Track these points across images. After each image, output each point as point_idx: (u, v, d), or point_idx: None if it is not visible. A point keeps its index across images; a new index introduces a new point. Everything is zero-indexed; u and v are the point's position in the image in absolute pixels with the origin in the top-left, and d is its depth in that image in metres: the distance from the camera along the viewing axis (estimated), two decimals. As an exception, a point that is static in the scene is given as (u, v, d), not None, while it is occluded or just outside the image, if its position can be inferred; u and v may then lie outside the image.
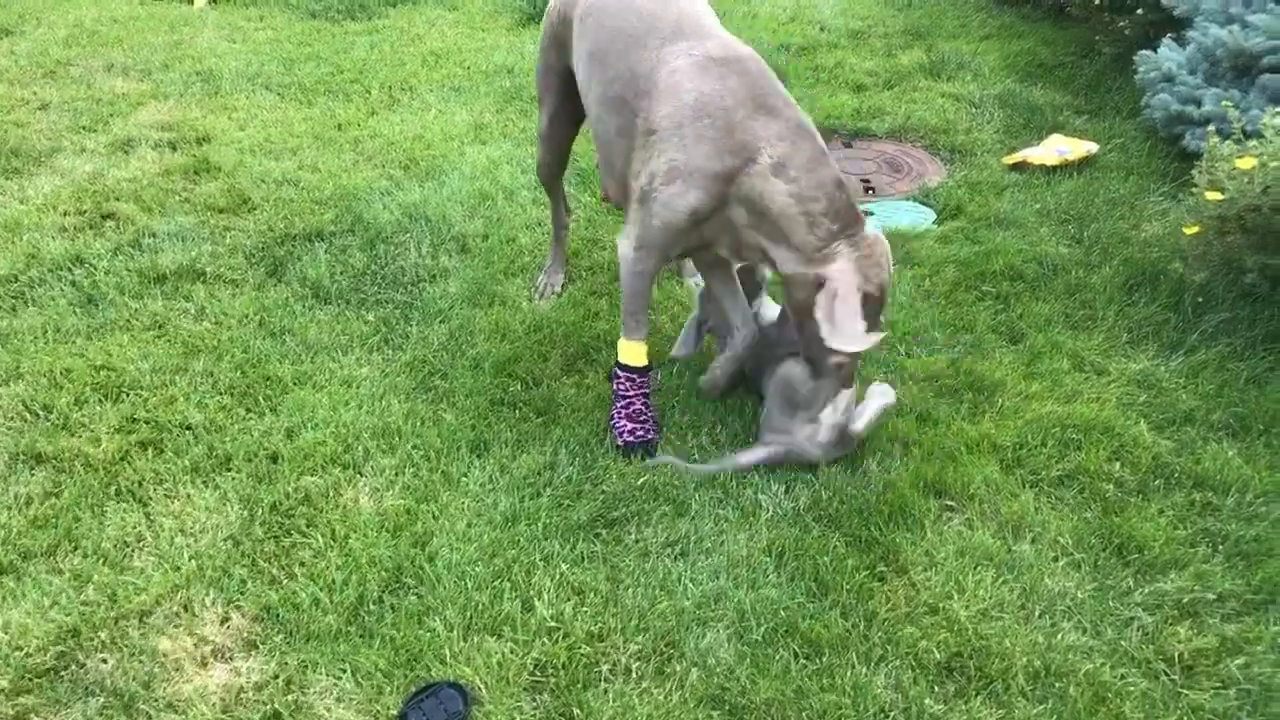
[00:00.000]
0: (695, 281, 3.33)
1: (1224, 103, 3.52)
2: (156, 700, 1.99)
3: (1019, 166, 4.22)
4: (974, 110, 4.85)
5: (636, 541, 2.37)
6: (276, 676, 2.04)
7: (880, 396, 2.62)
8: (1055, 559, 2.32)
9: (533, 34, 5.96)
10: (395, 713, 1.96)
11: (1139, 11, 4.78)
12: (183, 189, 4.10)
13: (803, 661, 2.07)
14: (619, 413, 2.68)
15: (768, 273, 2.86)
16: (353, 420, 2.74)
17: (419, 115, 4.88)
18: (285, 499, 2.48)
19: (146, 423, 2.73)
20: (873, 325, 2.40)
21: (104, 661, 2.07)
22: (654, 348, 2.81)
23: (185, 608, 2.19)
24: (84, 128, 4.69)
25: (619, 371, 2.70)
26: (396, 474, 2.57)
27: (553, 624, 2.14)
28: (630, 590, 2.23)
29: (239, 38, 6.11)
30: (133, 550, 2.34)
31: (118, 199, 3.98)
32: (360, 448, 2.65)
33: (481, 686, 2.01)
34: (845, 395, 2.53)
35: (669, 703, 1.98)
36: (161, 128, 4.69)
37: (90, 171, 4.22)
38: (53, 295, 3.32)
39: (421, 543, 2.35)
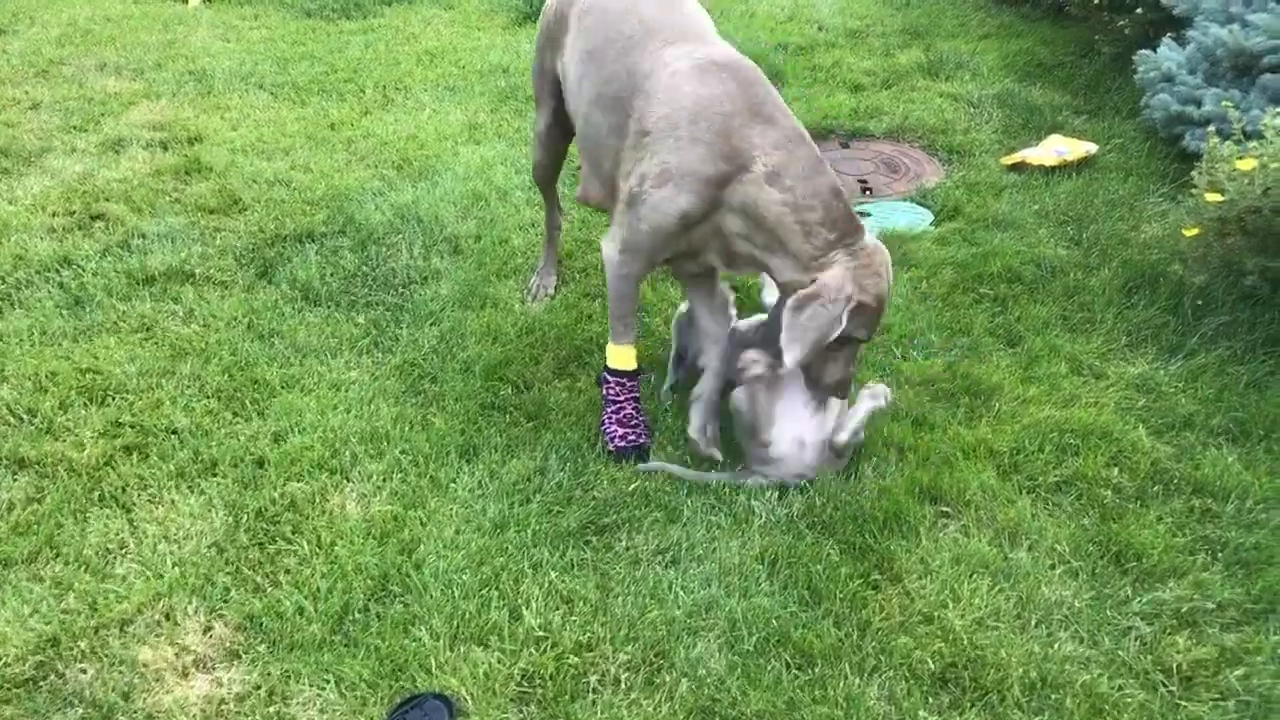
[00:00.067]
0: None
1: (1224, 103, 3.49)
2: (136, 712, 1.95)
3: (1017, 167, 4.18)
4: (972, 110, 4.81)
5: (627, 549, 2.34)
6: (259, 687, 2.00)
7: (870, 399, 2.57)
8: (1052, 567, 2.28)
9: (529, 33, 5.92)
10: (379, 725, 1.93)
11: (1138, 11, 4.74)
12: (173, 189, 4.07)
13: (795, 672, 2.03)
14: (609, 418, 2.64)
15: (730, 295, 2.83)
16: (341, 424, 2.71)
17: (413, 115, 4.84)
18: (271, 505, 2.45)
19: (132, 427, 2.70)
20: (869, 334, 2.37)
21: (83, 672, 2.03)
22: (645, 351, 2.78)
23: (167, 616, 2.15)
24: (75, 127, 4.65)
25: (608, 376, 2.67)
26: (384, 479, 2.53)
27: (541, 633, 2.11)
28: (620, 599, 2.19)
29: (233, 37, 6.08)
30: (115, 557, 2.30)
31: (107, 199, 3.94)
32: (348, 453, 2.61)
33: (467, 698, 1.97)
34: (834, 409, 2.49)
35: (658, 715, 1.95)
36: (153, 127, 4.65)
37: (80, 172, 4.18)
38: (39, 297, 3.28)
39: (408, 550, 2.32)
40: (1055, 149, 4.19)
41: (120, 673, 2.03)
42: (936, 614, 2.15)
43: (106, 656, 2.06)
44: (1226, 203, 2.92)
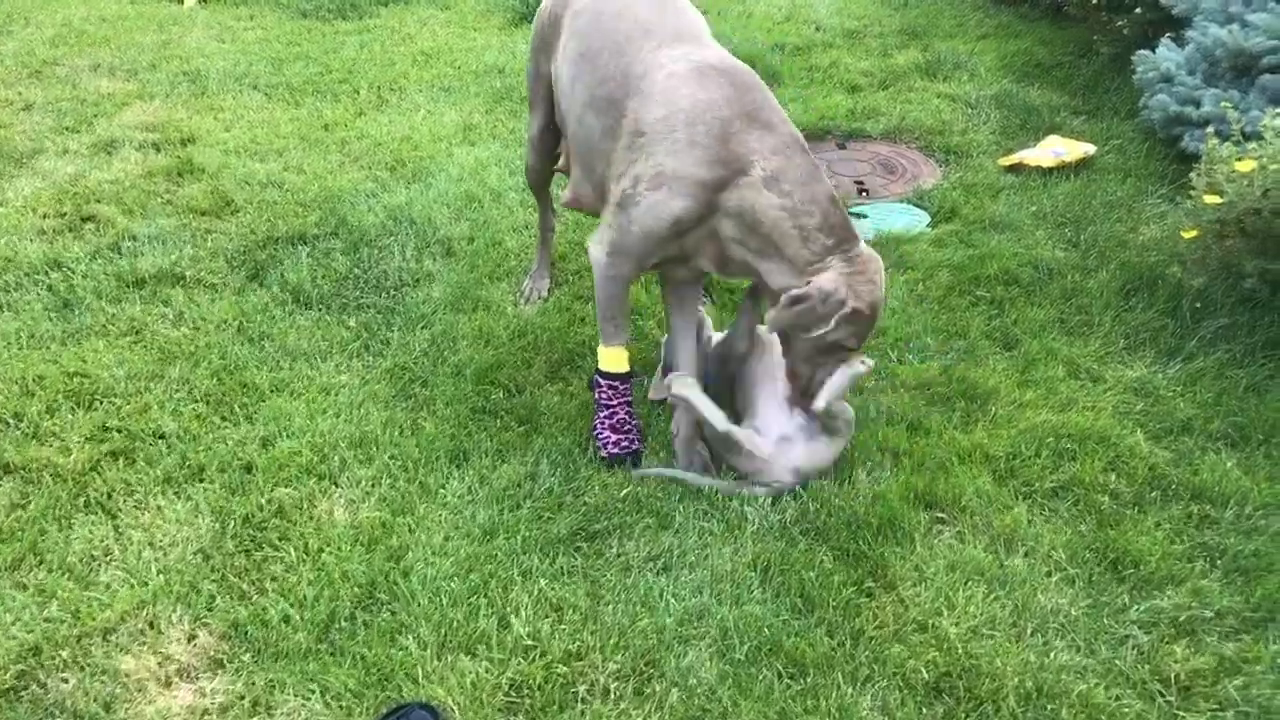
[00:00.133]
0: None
1: (1223, 104, 3.46)
2: (117, 722, 1.92)
3: (1015, 168, 4.15)
4: (970, 111, 4.78)
5: (618, 555, 2.31)
6: (243, 697, 1.97)
7: (846, 368, 2.40)
8: (1048, 574, 2.25)
9: (525, 33, 5.89)
10: (364, 735, 1.90)
11: (1137, 10, 4.72)
12: (165, 191, 4.04)
13: (786, 682, 2.00)
14: (602, 423, 2.61)
15: (705, 314, 2.80)
16: (330, 429, 2.68)
17: (407, 116, 4.82)
18: (258, 511, 2.42)
19: (119, 431, 2.67)
20: (857, 343, 2.34)
21: (65, 681, 2.00)
22: (639, 354, 2.75)
23: (151, 625, 2.12)
24: (67, 128, 4.63)
25: (600, 380, 2.63)
26: (373, 485, 2.50)
27: (529, 642, 2.08)
28: (610, 607, 2.16)
29: (228, 37, 6.05)
30: (99, 564, 2.28)
31: (99, 201, 3.91)
32: (336, 458, 2.58)
33: (454, 708, 1.94)
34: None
35: (647, 725, 1.92)
36: (146, 128, 4.62)
37: (72, 173, 4.15)
38: (28, 300, 3.25)
39: (396, 557, 2.29)
40: (1053, 150, 4.16)
41: (102, 683, 2.00)
42: (931, 622, 2.12)
43: (89, 666, 2.03)
44: (1225, 205, 2.89)
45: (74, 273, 3.40)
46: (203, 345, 3.03)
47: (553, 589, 2.21)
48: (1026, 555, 2.30)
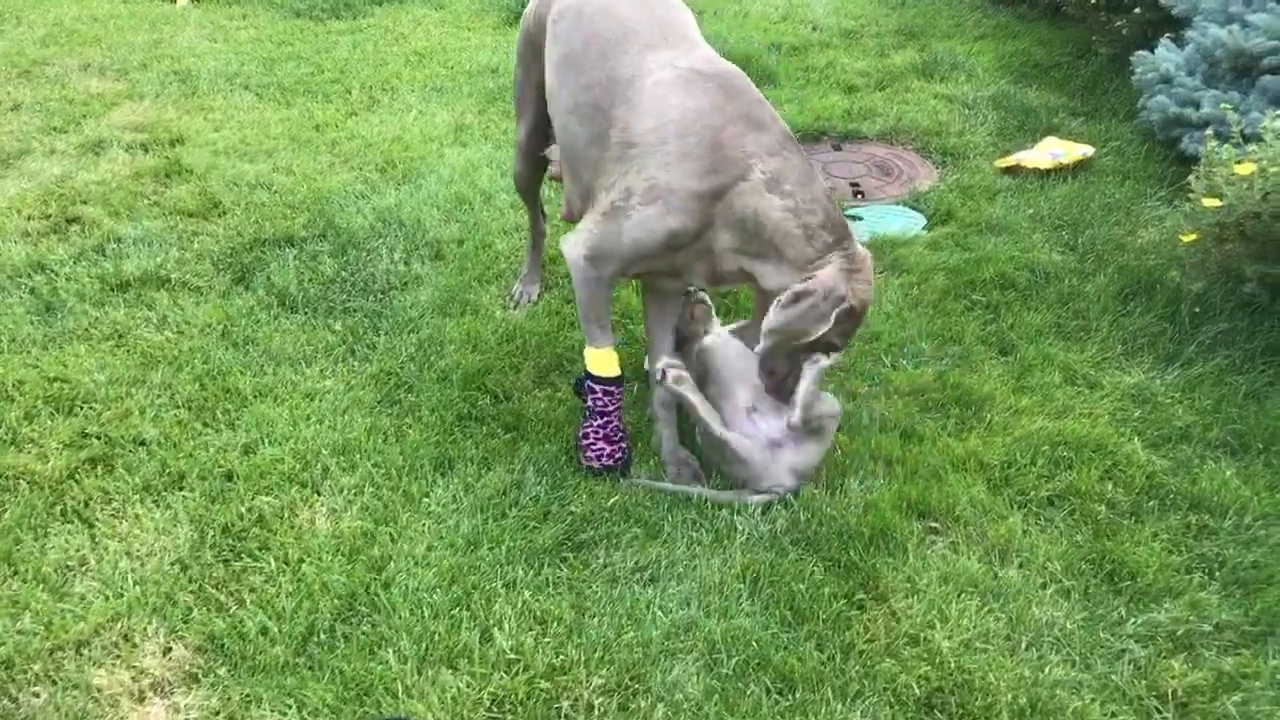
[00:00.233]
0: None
1: (1223, 105, 3.41)
2: (88, 739, 1.88)
3: (1012, 170, 4.11)
4: (967, 112, 4.73)
5: (605, 566, 2.26)
6: (218, 713, 1.93)
7: (812, 364, 2.36)
8: (1044, 586, 2.20)
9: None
10: (341, 753, 1.86)
11: (1136, 11, 4.67)
12: (152, 192, 3.99)
13: (775, 697, 1.96)
14: (595, 432, 2.50)
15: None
16: (313, 436, 2.63)
17: (399, 116, 4.77)
18: (238, 520, 2.37)
19: (98, 438, 2.62)
20: (843, 343, 2.30)
21: (36, 695, 1.96)
22: (631, 358, 2.70)
23: (125, 638, 2.07)
24: (55, 129, 4.58)
25: (593, 385, 2.51)
26: (355, 493, 2.45)
27: (512, 656, 2.03)
28: (596, 619, 2.12)
29: (220, 37, 6.00)
30: (74, 575, 2.23)
31: (84, 202, 3.86)
32: (319, 465, 2.53)
33: (434, 724, 1.90)
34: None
35: (632, 742, 1.87)
36: (134, 129, 4.57)
37: (58, 174, 4.10)
38: (10, 303, 3.20)
39: (378, 567, 2.24)
40: (1051, 152, 4.11)
41: (74, 697, 1.95)
42: (923, 635, 2.08)
43: (61, 680, 1.99)
44: (1225, 208, 2.85)
45: (57, 275, 3.35)
46: (186, 350, 2.99)
47: (537, 601, 2.16)
48: (1021, 566, 2.25)
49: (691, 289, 2.73)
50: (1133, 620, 2.10)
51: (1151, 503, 2.41)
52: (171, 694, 1.97)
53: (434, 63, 5.53)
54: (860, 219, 3.88)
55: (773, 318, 2.25)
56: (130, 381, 2.85)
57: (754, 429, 2.43)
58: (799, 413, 2.36)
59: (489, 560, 2.25)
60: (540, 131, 2.90)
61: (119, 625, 2.09)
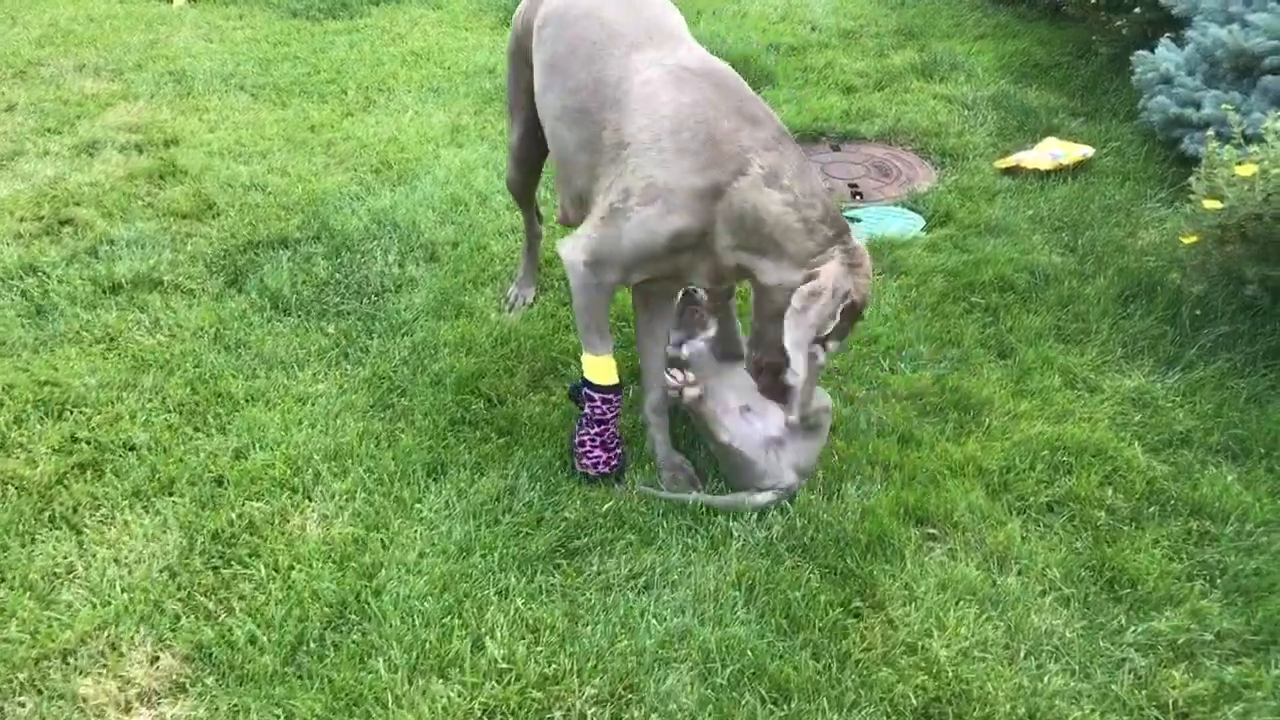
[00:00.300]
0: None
1: (1224, 105, 3.38)
2: (73, 750, 1.85)
3: (1012, 171, 4.08)
4: (966, 112, 4.70)
5: (598, 573, 2.23)
6: (204, 724, 1.90)
7: (810, 360, 2.30)
8: (1043, 593, 2.17)
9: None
10: (329, 765, 1.83)
11: (1136, 10, 4.64)
12: (146, 193, 3.97)
13: (770, 707, 1.93)
14: (593, 440, 2.46)
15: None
16: (304, 441, 2.60)
17: (395, 117, 4.74)
18: (228, 526, 2.34)
19: (88, 443, 2.60)
20: (842, 338, 2.26)
21: (21, 705, 1.93)
22: (625, 363, 2.67)
23: (112, 647, 2.05)
24: (49, 130, 4.55)
25: (592, 393, 2.46)
26: (347, 499, 2.43)
27: (504, 665, 2.00)
28: (589, 627, 2.09)
29: (216, 37, 5.98)
30: (61, 582, 2.20)
31: (78, 204, 3.84)
32: (310, 470, 2.51)
33: (424, 735, 1.87)
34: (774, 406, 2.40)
35: (624, 754, 1.85)
36: (129, 129, 4.55)
37: (51, 175, 4.08)
38: (1, 306, 3.18)
39: (369, 574, 2.21)
40: (1050, 152, 4.09)
41: (60, 707, 1.92)
42: (920, 644, 2.05)
43: (46, 689, 1.96)
44: (1226, 210, 2.82)
45: (49, 278, 3.32)
46: (177, 353, 2.96)
47: (529, 609, 2.13)
48: (1020, 574, 2.22)
49: (692, 289, 2.70)
50: (1133, 629, 2.07)
51: (1152, 509, 2.38)
52: (158, 704, 1.94)
53: (431, 63, 5.51)
54: (859, 220, 3.86)
55: (796, 329, 2.16)
56: (121, 385, 2.82)
57: (750, 429, 2.40)
58: (798, 410, 2.33)
59: (481, 567, 2.23)
60: (532, 135, 2.86)
61: (106, 634, 2.07)
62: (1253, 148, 2.84)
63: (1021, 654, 2.03)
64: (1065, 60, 5.20)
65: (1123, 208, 3.70)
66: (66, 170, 4.13)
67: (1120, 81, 4.67)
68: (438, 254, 3.53)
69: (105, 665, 2.01)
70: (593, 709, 1.93)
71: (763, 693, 1.95)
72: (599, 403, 2.46)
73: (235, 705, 1.93)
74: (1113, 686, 1.96)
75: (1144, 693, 1.94)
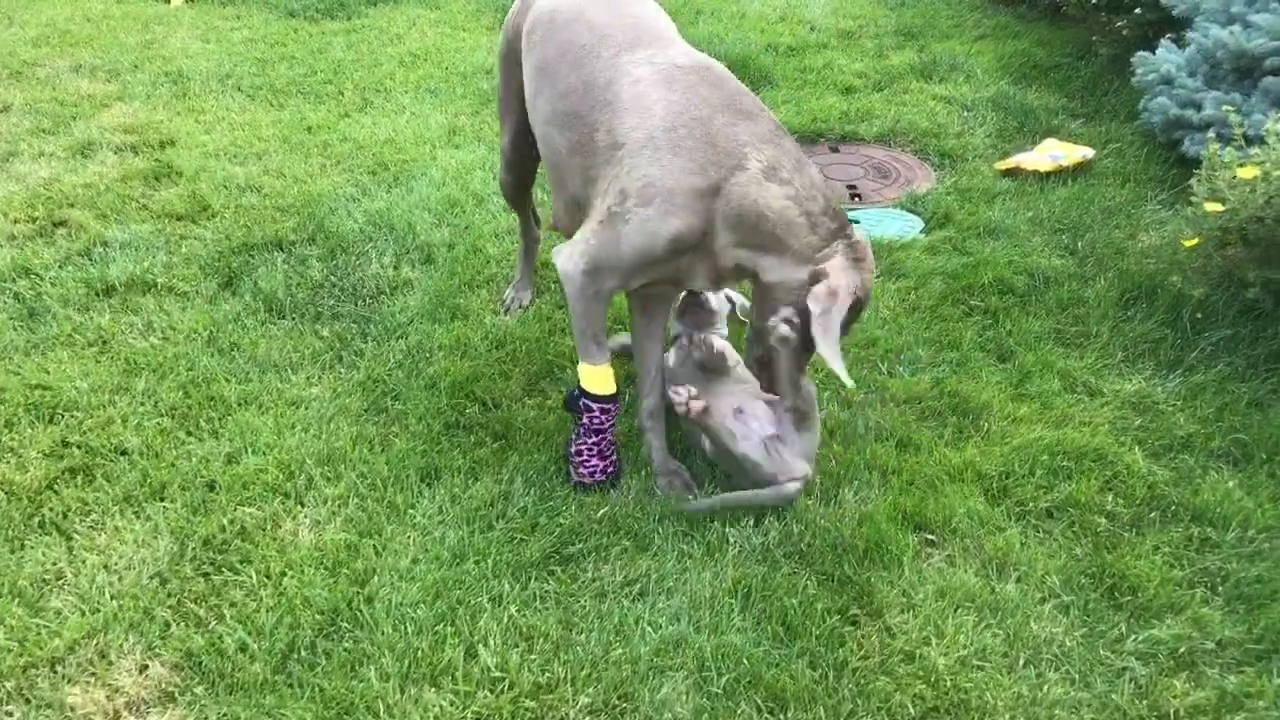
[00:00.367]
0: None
1: (1225, 107, 3.36)
2: (60, 761, 1.83)
3: (1011, 172, 4.05)
4: (966, 113, 4.68)
5: (593, 580, 2.21)
6: (194, 733, 1.88)
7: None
8: (1042, 601, 2.15)
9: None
10: (319, 775, 1.81)
11: (1137, 11, 4.61)
12: (141, 195, 3.94)
13: (766, 716, 1.91)
14: (590, 449, 2.43)
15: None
16: (297, 445, 2.58)
17: (392, 118, 4.72)
18: (220, 532, 2.32)
19: (79, 447, 2.58)
20: (844, 332, 2.23)
21: (9, 715, 1.91)
22: (620, 369, 2.64)
23: (101, 655, 2.02)
24: (44, 130, 4.53)
25: (590, 403, 2.41)
26: (340, 504, 2.40)
27: (497, 674, 1.98)
28: (583, 635, 2.07)
29: (213, 37, 5.95)
30: (50, 589, 2.18)
31: (72, 205, 3.82)
32: (303, 475, 2.48)
33: (415, 745, 1.85)
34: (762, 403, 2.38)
35: (618, 764, 1.82)
36: (125, 130, 4.53)
37: (46, 176, 4.05)
38: (-7, 308, 3.16)
39: (361, 581, 2.19)
40: (1050, 154, 4.06)
41: (47, 717, 1.90)
42: (918, 652, 2.03)
43: (34, 698, 1.94)
44: (1227, 212, 2.80)
45: (42, 280, 3.30)
46: (171, 356, 2.94)
47: (523, 616, 2.11)
48: (1019, 581, 2.20)
49: (695, 291, 2.68)
50: (1133, 637, 2.05)
51: (1152, 514, 2.36)
52: (147, 714, 1.92)
53: (428, 63, 5.48)
54: (857, 222, 3.82)
55: (827, 333, 2.11)
56: (113, 389, 2.80)
57: (748, 429, 2.37)
58: (790, 395, 2.33)
59: (475, 574, 2.20)
60: (523, 139, 2.83)
61: (95, 642, 2.05)
62: (1254, 149, 2.82)
63: (1021, 662, 2.01)
64: (1065, 61, 5.17)
65: (1123, 210, 3.67)
66: (61, 171, 4.11)
67: (1121, 83, 4.65)
68: (433, 256, 3.50)
69: (94, 674, 1.99)
70: (587, 718, 1.91)
71: (759, 701, 1.93)
72: (597, 412, 2.42)
73: (225, 715, 1.91)
74: (1113, 696, 1.94)
75: (1145, 702, 1.92)
